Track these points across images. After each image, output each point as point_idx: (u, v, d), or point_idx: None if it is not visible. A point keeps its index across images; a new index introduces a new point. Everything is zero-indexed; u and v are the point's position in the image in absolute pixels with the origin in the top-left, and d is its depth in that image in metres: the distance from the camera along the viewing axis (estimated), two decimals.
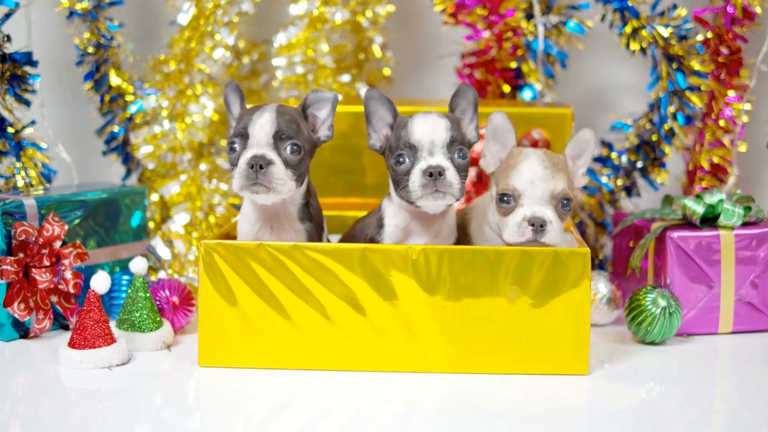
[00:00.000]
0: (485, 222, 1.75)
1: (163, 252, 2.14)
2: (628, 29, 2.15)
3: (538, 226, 1.60)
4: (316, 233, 1.71)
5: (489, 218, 1.73)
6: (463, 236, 1.78)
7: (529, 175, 1.63)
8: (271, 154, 1.58)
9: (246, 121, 1.61)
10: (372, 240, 1.70)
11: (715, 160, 2.25)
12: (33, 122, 2.10)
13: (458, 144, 1.60)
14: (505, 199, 1.64)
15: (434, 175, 1.55)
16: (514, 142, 1.71)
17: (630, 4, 2.14)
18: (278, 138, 1.60)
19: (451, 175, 1.57)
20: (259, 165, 1.57)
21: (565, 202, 1.64)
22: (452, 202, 1.61)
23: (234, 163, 1.61)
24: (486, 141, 1.71)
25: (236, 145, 1.61)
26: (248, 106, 1.69)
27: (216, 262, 1.61)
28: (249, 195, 1.61)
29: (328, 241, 1.77)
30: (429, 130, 1.59)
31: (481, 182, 1.97)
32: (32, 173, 2.05)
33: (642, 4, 2.16)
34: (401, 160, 1.60)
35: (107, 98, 2.23)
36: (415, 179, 1.57)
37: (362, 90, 2.32)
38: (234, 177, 1.60)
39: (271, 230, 1.68)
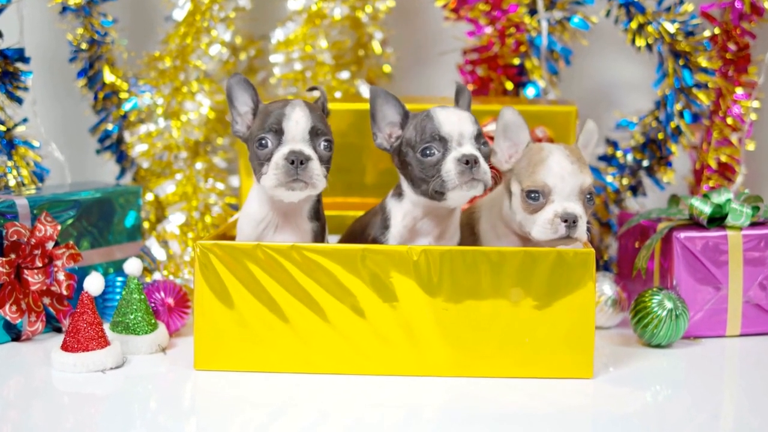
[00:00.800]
0: (499, 220, 1.73)
1: (158, 253, 2.13)
2: (633, 25, 2.14)
3: (571, 221, 1.59)
4: (320, 234, 1.69)
5: (506, 216, 1.71)
6: (469, 236, 1.76)
7: (557, 170, 1.62)
8: (308, 150, 1.57)
9: (278, 116, 1.58)
10: (375, 241, 1.68)
11: (723, 158, 2.24)
12: (25, 120, 2.08)
13: (482, 137, 1.61)
14: (533, 195, 1.63)
15: (470, 162, 1.55)
16: (527, 137, 1.70)
17: None
18: (314, 134, 1.59)
19: (484, 163, 1.58)
20: (299, 161, 1.55)
21: (590, 196, 1.64)
22: (481, 192, 1.60)
23: (264, 159, 1.58)
24: (496, 138, 1.71)
25: (267, 141, 1.58)
26: (265, 102, 1.65)
27: (212, 263, 1.60)
28: (283, 191, 1.58)
29: (327, 242, 1.75)
30: (457, 122, 1.59)
31: None
32: (24, 172, 2.03)
33: None
34: (429, 152, 1.58)
35: (101, 95, 2.21)
36: (450, 168, 1.56)
37: (362, 87, 2.30)
38: (266, 173, 1.57)
39: (275, 230, 1.66)
